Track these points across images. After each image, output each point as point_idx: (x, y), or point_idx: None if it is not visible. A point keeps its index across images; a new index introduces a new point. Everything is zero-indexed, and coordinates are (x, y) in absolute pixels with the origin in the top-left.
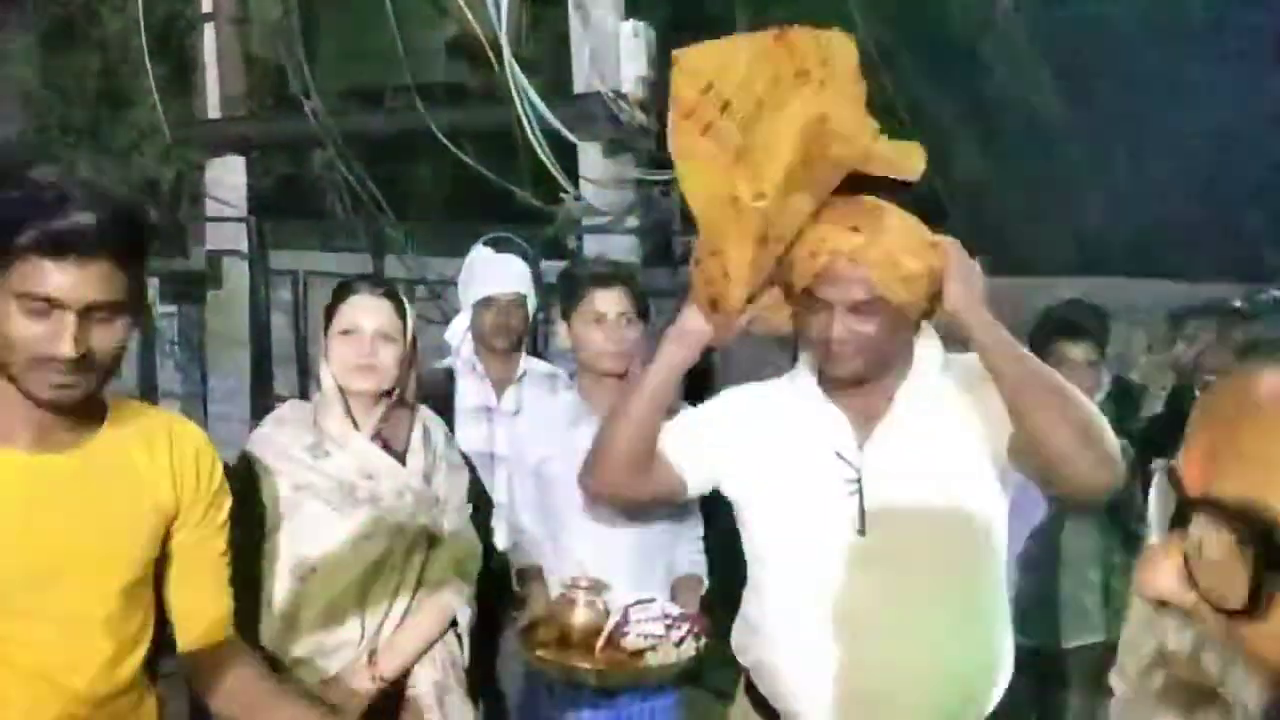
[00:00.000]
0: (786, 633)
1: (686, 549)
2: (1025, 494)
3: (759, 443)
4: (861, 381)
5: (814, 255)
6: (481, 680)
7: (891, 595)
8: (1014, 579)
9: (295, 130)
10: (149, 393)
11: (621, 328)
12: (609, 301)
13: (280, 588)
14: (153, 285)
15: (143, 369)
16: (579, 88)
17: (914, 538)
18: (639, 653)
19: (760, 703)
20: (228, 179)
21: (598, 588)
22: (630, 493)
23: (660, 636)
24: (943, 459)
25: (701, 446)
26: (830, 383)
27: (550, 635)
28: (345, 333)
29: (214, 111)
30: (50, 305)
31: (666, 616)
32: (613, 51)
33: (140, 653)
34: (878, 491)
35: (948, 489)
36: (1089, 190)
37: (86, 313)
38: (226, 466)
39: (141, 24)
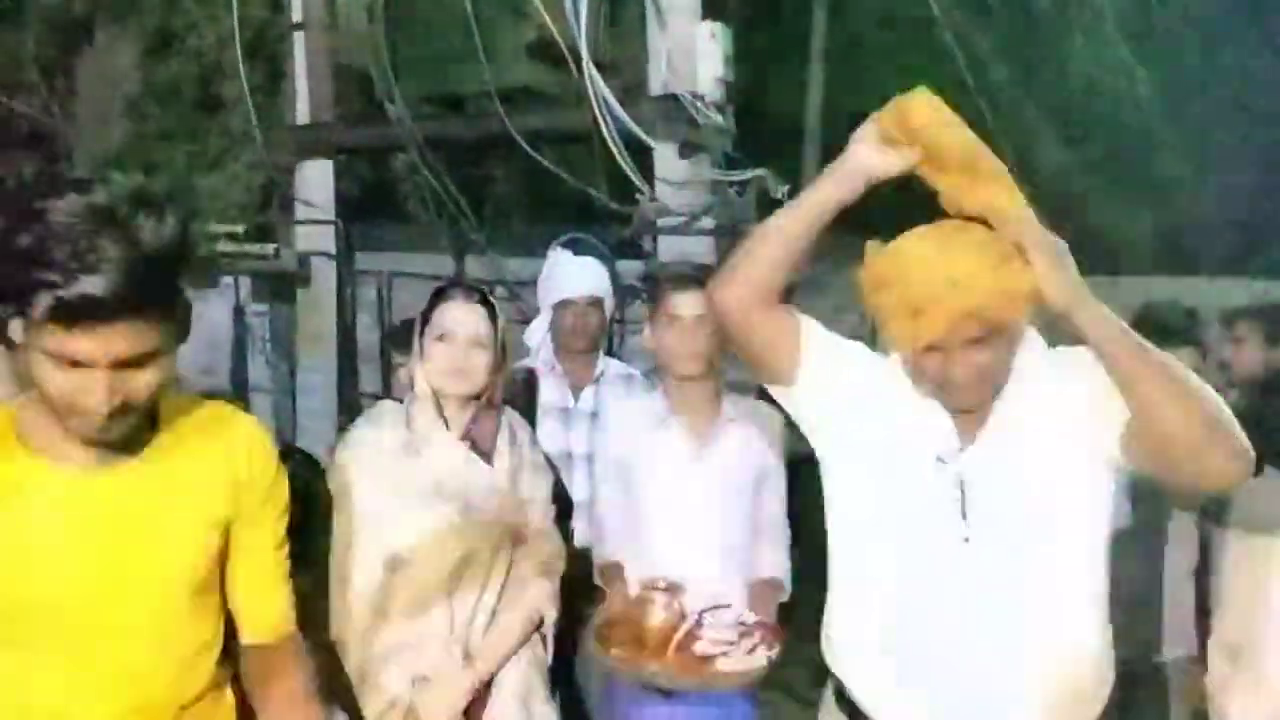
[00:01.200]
0: (884, 641)
1: (769, 553)
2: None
3: (872, 414)
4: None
5: (918, 314)
6: (561, 677)
7: (996, 604)
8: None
9: (380, 135)
10: (240, 387)
11: (698, 329)
12: (685, 304)
13: (370, 580)
14: (245, 285)
15: (235, 365)
16: (655, 90)
17: (1019, 544)
18: (710, 658)
19: (853, 712)
20: (316, 183)
21: (675, 590)
22: (746, 320)
23: (732, 643)
24: (1047, 462)
25: (835, 360)
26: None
27: (626, 635)
28: (440, 338)
29: (303, 117)
30: (78, 363)
31: (740, 624)
32: (690, 53)
33: (213, 654)
34: (980, 497)
35: (1053, 494)
36: (1179, 188)
37: (116, 366)
38: (319, 464)
39: (237, 33)
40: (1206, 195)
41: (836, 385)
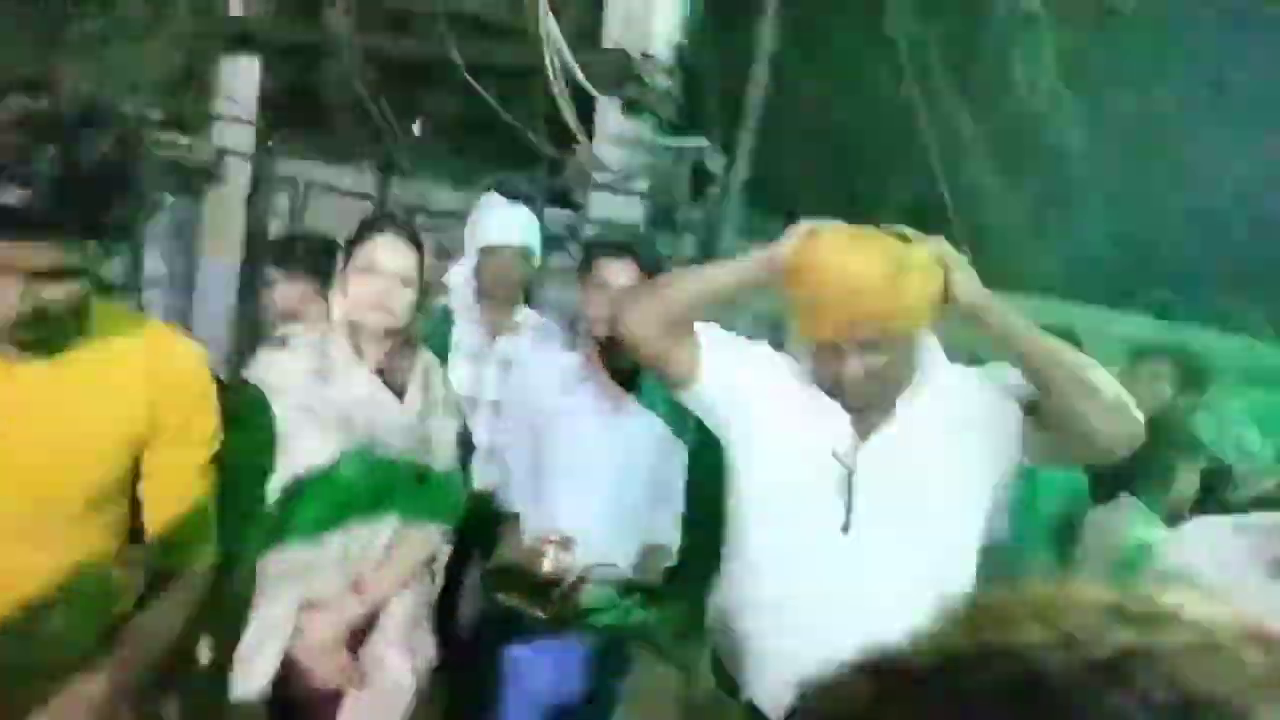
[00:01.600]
0: (758, 617)
1: (664, 521)
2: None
3: (773, 409)
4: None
5: (815, 311)
6: (443, 610)
7: (864, 595)
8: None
9: (315, 39)
10: (134, 274)
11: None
12: (614, 272)
13: (271, 504)
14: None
15: (131, 255)
16: (608, 41)
17: (894, 543)
18: (590, 611)
19: (725, 682)
20: (240, 78)
21: (567, 544)
22: (650, 346)
23: (613, 600)
24: (936, 471)
25: (734, 361)
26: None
27: (517, 581)
28: (365, 270)
29: (236, 8)
30: None
31: (622, 583)
32: (647, 11)
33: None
34: (866, 494)
35: (935, 502)
36: (1089, 211)
37: (34, 276)
38: (228, 384)
39: None
40: (1120, 232)
41: (736, 384)
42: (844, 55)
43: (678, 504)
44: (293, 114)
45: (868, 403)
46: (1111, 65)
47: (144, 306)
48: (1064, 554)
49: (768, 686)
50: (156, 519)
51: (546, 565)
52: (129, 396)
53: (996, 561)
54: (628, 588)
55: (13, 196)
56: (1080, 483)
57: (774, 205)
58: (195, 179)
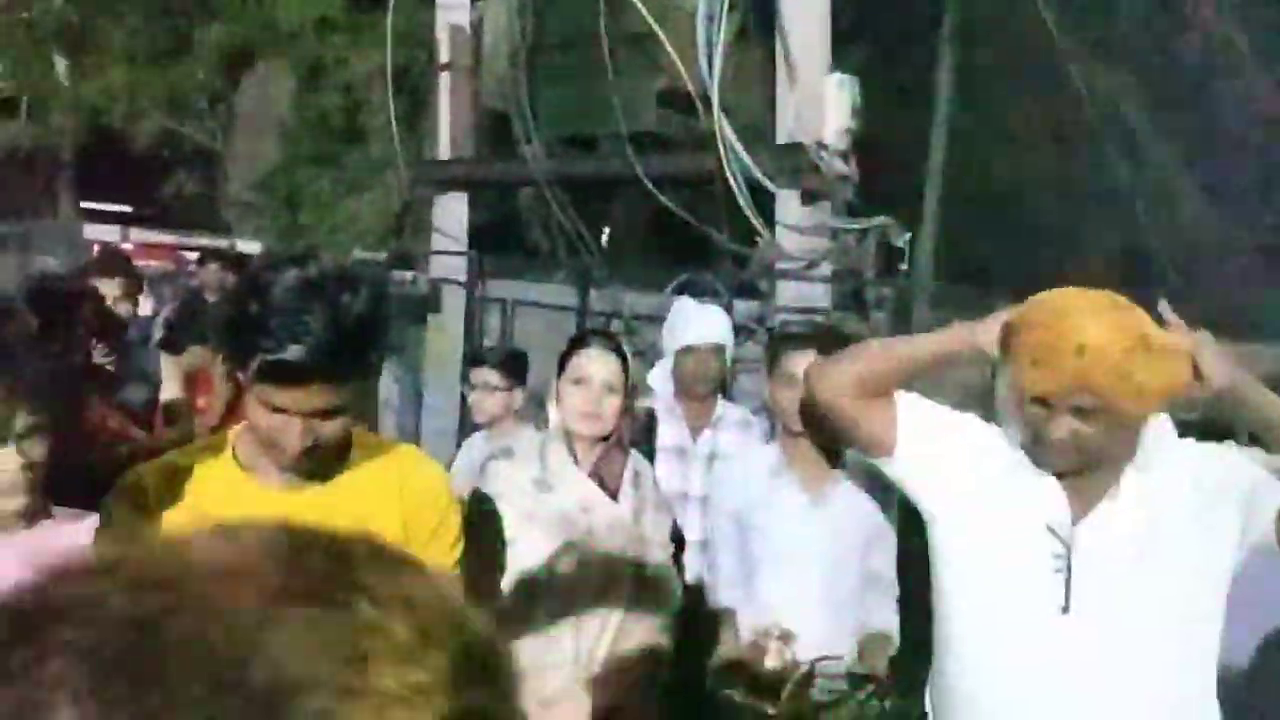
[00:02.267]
0: (979, 703)
1: (878, 607)
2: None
3: (979, 479)
4: (1078, 472)
5: (1037, 364)
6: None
7: (1089, 680)
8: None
9: (515, 173)
10: (370, 399)
11: None
12: (801, 362)
13: (505, 609)
14: None
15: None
16: (782, 138)
17: (1120, 625)
18: (823, 705)
19: None
20: (451, 214)
21: (788, 637)
22: (844, 413)
23: (845, 692)
24: (1163, 550)
25: (935, 431)
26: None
27: (742, 678)
28: (576, 382)
29: (444, 152)
30: (279, 410)
31: (852, 674)
32: (817, 103)
33: None
34: (1087, 572)
35: (1163, 582)
36: None
37: (310, 416)
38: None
39: (389, 69)
40: None
41: (937, 454)
42: (1021, 115)
43: (893, 588)
44: (499, 240)
45: (1072, 469)
46: None
47: (377, 429)
48: None
49: None
50: None
51: (770, 660)
52: (386, 510)
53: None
54: (859, 680)
55: (294, 352)
56: None
57: (965, 277)
58: (418, 309)
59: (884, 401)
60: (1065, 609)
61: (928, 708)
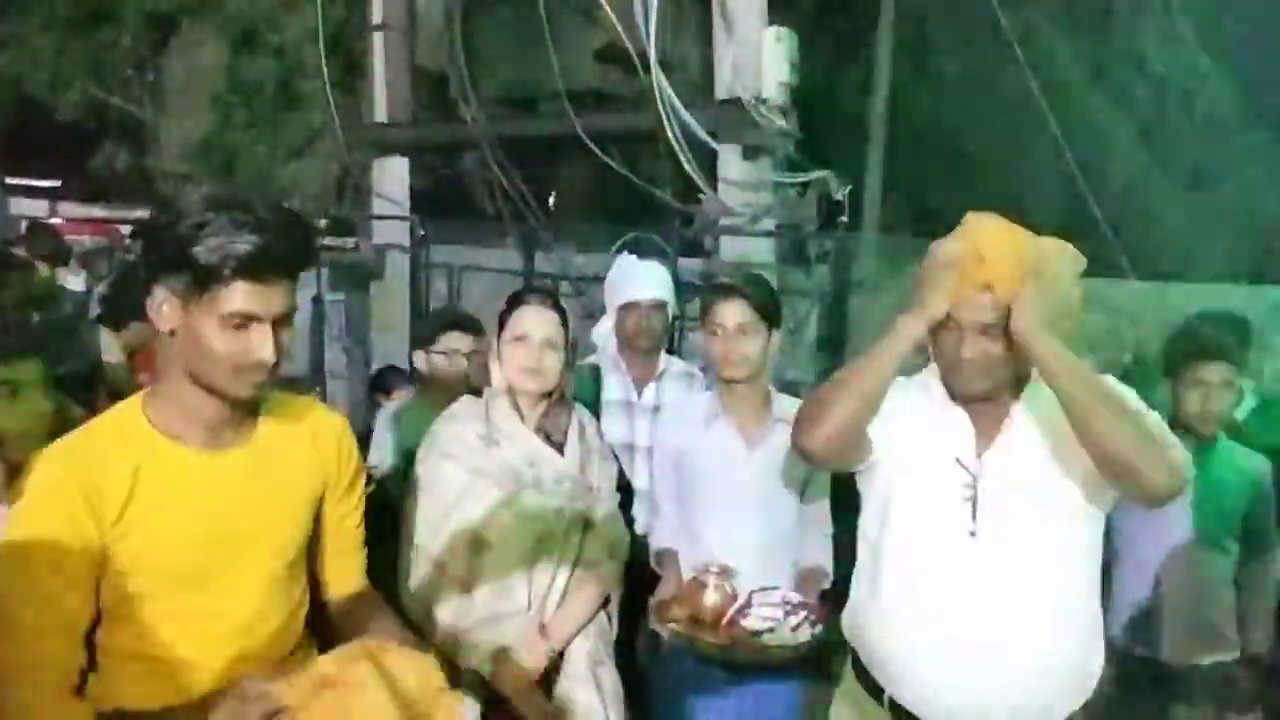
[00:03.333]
0: (894, 621)
1: (814, 543)
2: (1165, 511)
3: (900, 434)
4: (988, 397)
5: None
6: (623, 653)
7: (994, 595)
8: (1147, 592)
9: (454, 133)
10: (318, 373)
11: (739, 337)
12: (727, 313)
13: (458, 563)
14: (323, 275)
15: (313, 352)
16: (721, 94)
17: (1020, 544)
18: (758, 633)
19: (869, 684)
20: (392, 178)
21: (726, 573)
22: (836, 461)
23: (778, 620)
24: (1054, 472)
25: (882, 421)
26: (958, 394)
27: (682, 613)
28: (517, 339)
29: (381, 115)
30: (249, 319)
31: (786, 603)
32: (755, 58)
33: (303, 611)
34: (991, 498)
35: (1056, 501)
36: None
37: (276, 322)
38: (409, 452)
39: (321, 31)
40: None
41: (883, 434)
42: (962, 66)
43: (827, 526)
44: (442, 204)
45: (981, 392)
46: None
47: (328, 398)
48: (1252, 545)
49: (908, 688)
50: (345, 567)
51: (710, 595)
52: (307, 465)
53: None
54: (793, 607)
55: (263, 240)
56: (1263, 474)
57: (908, 225)
58: (361, 276)
59: (864, 441)
60: (973, 533)
61: (846, 635)
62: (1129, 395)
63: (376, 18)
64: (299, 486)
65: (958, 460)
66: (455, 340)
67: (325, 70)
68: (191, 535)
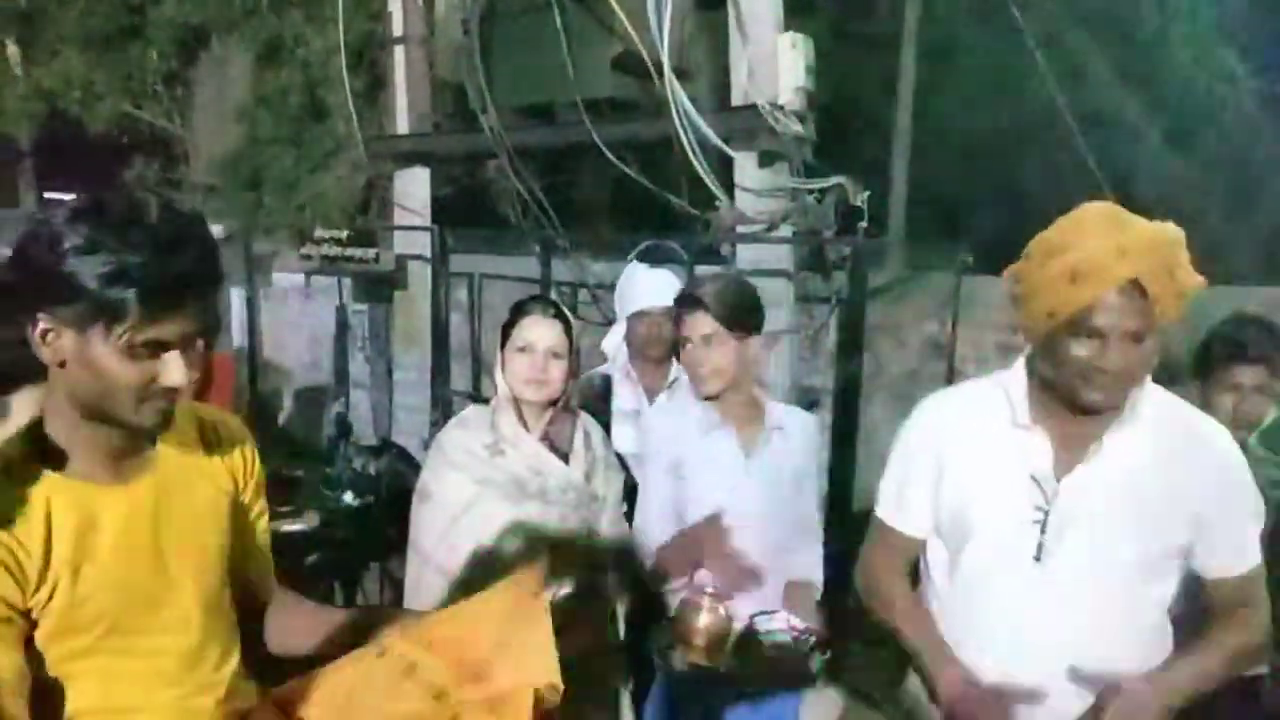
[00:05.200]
0: (954, 638)
1: (804, 555)
2: None
3: (958, 467)
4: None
5: (1078, 279)
6: (631, 659)
7: (1054, 623)
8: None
9: (473, 144)
10: (341, 382)
11: (703, 349)
12: (692, 326)
13: (466, 570)
14: (346, 285)
15: (336, 361)
16: (736, 100)
17: (1087, 578)
18: (771, 660)
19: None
20: (413, 189)
21: (719, 595)
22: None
23: (789, 646)
24: (1134, 514)
25: (922, 497)
26: (1054, 407)
27: (677, 637)
28: (520, 349)
29: (403, 126)
30: (155, 350)
31: (792, 628)
32: (770, 63)
33: (236, 628)
34: (1062, 526)
35: (1131, 543)
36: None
37: (186, 345)
38: (413, 458)
39: (342, 44)
40: None
41: (935, 490)
42: (986, 70)
43: (817, 536)
44: (463, 214)
45: (1114, 404)
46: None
47: (351, 407)
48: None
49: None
50: (266, 569)
51: (705, 618)
52: (216, 478)
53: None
54: (799, 633)
55: (178, 263)
56: None
57: (934, 232)
58: (384, 286)
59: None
60: (1038, 558)
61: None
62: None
63: (397, 30)
64: (212, 498)
65: (1033, 478)
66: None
67: (347, 82)
68: (118, 575)
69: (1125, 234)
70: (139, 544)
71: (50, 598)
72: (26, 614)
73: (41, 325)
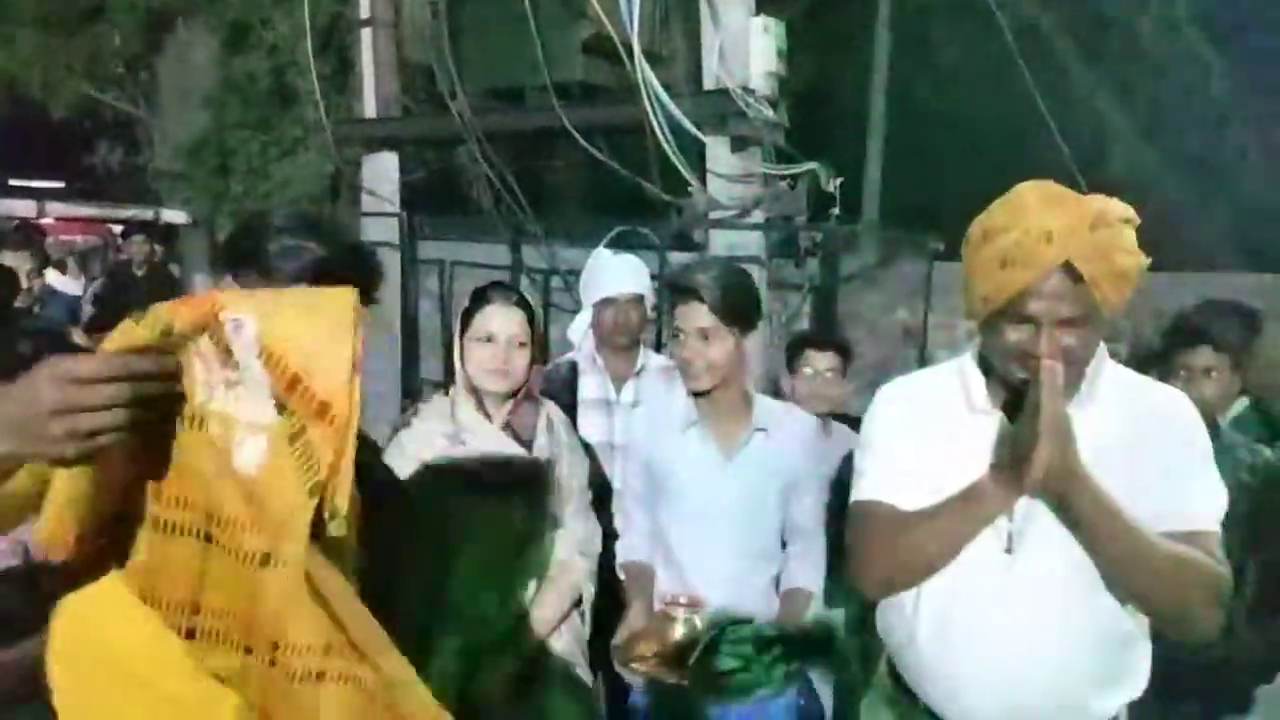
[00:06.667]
0: (928, 630)
1: (798, 562)
2: None
3: (922, 452)
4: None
5: (1007, 265)
6: (597, 651)
7: (1029, 611)
8: None
9: (442, 128)
10: None
11: (699, 344)
12: (686, 317)
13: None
14: None
15: None
16: (708, 84)
17: (1057, 561)
18: (729, 672)
19: (902, 685)
20: (381, 174)
21: (695, 605)
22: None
23: (751, 656)
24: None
25: (910, 471)
26: (1003, 392)
27: (648, 650)
28: (483, 339)
29: (370, 110)
30: None
31: (759, 637)
32: (742, 48)
33: None
34: (1030, 514)
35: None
36: (1258, 176)
37: None
38: (380, 448)
39: (308, 27)
40: None
41: (911, 469)
42: (959, 57)
43: (815, 543)
44: (432, 200)
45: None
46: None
47: None
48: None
49: (936, 692)
50: None
51: (678, 631)
52: None
53: None
54: (766, 643)
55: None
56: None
57: (908, 219)
58: None
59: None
60: (1008, 549)
61: (880, 632)
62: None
63: (364, 13)
64: None
65: (994, 466)
66: (821, 360)
67: (314, 66)
68: None
69: (1057, 217)
70: None
71: None
72: None
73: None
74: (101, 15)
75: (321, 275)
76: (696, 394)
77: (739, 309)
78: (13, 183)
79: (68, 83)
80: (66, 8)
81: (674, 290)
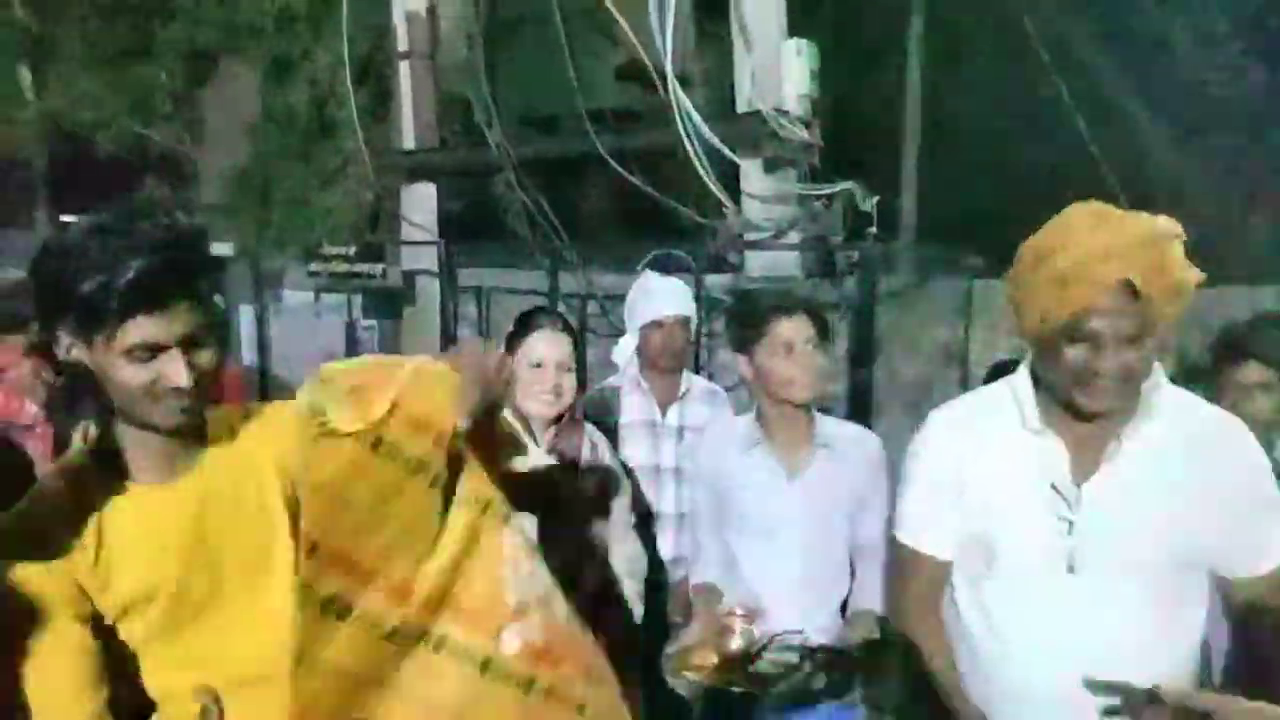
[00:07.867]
0: (985, 653)
1: (868, 581)
2: None
3: (979, 479)
4: (1087, 422)
5: (1067, 284)
6: (645, 671)
7: (1093, 633)
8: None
9: (480, 158)
10: None
11: (811, 356)
12: (793, 330)
13: None
14: (357, 303)
15: None
16: (741, 107)
17: (1122, 582)
18: (768, 677)
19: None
20: (420, 204)
21: (752, 616)
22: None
23: (791, 665)
24: (1161, 510)
25: (948, 515)
26: (1063, 411)
27: (705, 660)
28: (533, 365)
29: (409, 140)
30: (154, 352)
31: (805, 647)
32: (775, 70)
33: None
34: (1092, 531)
35: (1161, 540)
36: None
37: (184, 345)
38: None
39: (346, 60)
40: None
41: (958, 510)
42: (994, 74)
43: (881, 561)
44: (470, 227)
45: (1115, 408)
46: None
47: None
48: None
49: (996, 710)
50: None
51: (735, 641)
52: (265, 483)
53: None
54: (809, 652)
55: (149, 264)
56: None
57: (945, 235)
58: (394, 301)
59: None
60: (1071, 569)
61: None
62: None
63: (402, 46)
64: (265, 494)
65: (1054, 487)
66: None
67: (353, 97)
68: (167, 570)
69: (1112, 234)
70: (186, 543)
71: (104, 592)
72: (100, 625)
73: (61, 339)
74: (149, 55)
75: (149, 294)
76: (785, 404)
77: (828, 326)
78: (64, 218)
79: (117, 121)
80: (113, 47)
81: (775, 307)
